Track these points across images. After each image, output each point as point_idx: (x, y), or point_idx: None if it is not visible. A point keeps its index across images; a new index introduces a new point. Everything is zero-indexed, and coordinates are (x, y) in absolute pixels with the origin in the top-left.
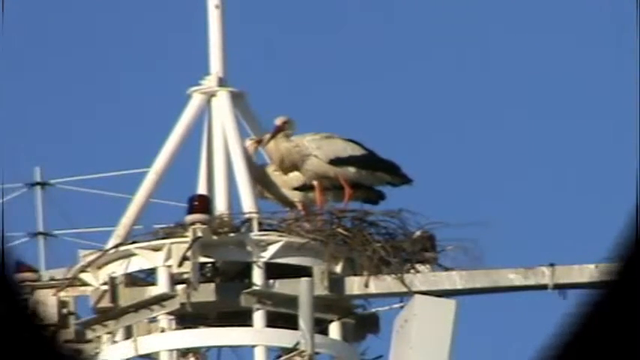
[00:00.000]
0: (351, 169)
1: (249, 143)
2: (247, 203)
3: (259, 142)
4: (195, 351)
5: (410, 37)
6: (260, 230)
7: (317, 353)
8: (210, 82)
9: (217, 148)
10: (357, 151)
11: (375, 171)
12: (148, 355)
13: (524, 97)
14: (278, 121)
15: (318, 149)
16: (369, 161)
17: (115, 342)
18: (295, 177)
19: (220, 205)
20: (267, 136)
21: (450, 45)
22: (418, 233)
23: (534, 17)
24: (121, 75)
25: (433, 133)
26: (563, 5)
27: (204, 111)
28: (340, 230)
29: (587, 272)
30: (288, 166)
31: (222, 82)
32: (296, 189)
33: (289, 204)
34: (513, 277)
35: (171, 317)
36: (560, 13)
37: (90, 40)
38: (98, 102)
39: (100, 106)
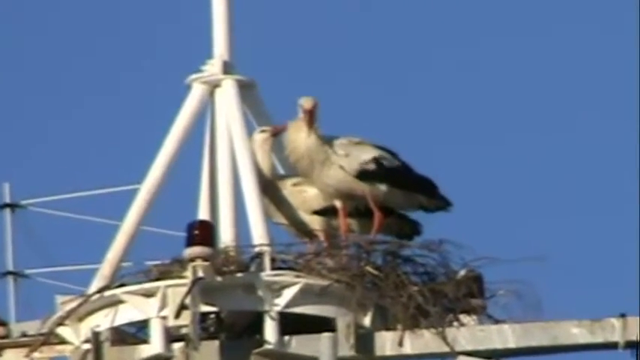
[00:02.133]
0: (382, 187)
1: (262, 136)
2: (258, 230)
3: (276, 133)
4: None
5: (456, 17)
6: (273, 269)
7: None
8: (213, 67)
9: (222, 155)
10: (390, 163)
11: (409, 191)
12: None
13: (602, 108)
14: (307, 104)
15: (346, 157)
16: (405, 177)
17: None
18: (316, 197)
19: (225, 233)
20: (299, 124)
21: (508, 38)
22: (463, 273)
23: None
24: (104, 64)
25: (477, 143)
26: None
27: (207, 105)
28: (369, 269)
29: None
30: (307, 166)
31: (227, 69)
32: (316, 213)
33: (306, 232)
34: (577, 332)
35: None
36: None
37: (69, 28)
38: (77, 100)
39: (79, 105)
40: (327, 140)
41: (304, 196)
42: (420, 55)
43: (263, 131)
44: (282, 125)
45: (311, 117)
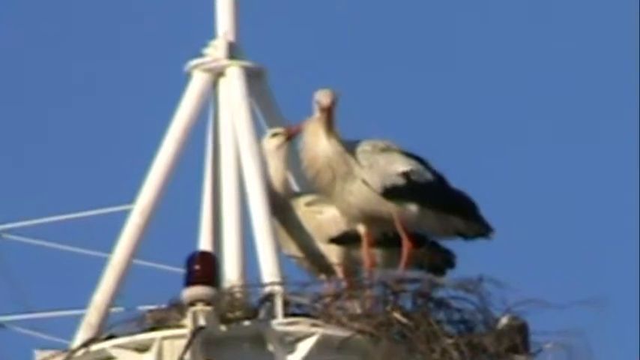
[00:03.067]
0: (413, 208)
1: (275, 143)
2: (268, 265)
3: (291, 136)
4: None
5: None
6: (286, 315)
7: None
8: (216, 51)
9: (227, 168)
10: (421, 176)
11: (445, 212)
12: None
13: None
14: (325, 99)
15: (370, 169)
16: (439, 195)
17: None
18: (334, 220)
19: (231, 267)
20: (315, 126)
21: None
22: (505, 321)
23: None
24: (84, 57)
25: (521, 155)
26: None
27: (209, 99)
28: (397, 316)
29: None
30: (329, 181)
31: (233, 52)
32: (333, 241)
33: (322, 267)
34: None
35: None
36: None
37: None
38: (56, 101)
39: (59, 106)
40: (349, 146)
41: (319, 220)
42: (455, 36)
43: (275, 135)
44: (298, 126)
45: (330, 116)
